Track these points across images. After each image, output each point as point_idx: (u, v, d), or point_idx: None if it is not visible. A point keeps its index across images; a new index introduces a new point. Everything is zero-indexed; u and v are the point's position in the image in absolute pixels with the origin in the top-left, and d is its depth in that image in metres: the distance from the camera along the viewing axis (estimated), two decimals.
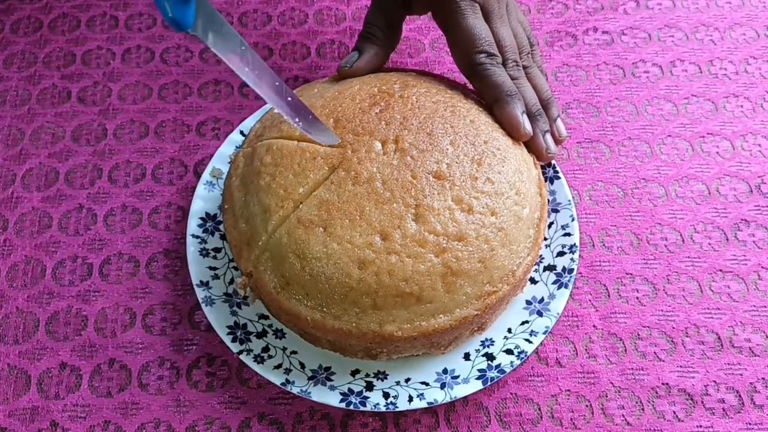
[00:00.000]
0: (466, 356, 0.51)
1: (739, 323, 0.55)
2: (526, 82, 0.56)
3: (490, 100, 0.55)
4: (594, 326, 0.55)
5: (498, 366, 0.50)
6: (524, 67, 0.57)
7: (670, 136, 0.65)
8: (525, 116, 0.54)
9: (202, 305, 0.53)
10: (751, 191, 0.62)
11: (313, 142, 0.52)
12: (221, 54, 0.45)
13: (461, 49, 0.56)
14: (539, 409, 0.52)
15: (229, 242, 0.52)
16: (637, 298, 0.57)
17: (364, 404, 0.49)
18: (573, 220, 0.56)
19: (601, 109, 0.67)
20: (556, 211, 0.56)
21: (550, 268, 0.54)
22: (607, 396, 0.52)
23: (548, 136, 0.56)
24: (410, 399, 0.49)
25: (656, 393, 0.52)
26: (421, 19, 0.73)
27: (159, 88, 0.68)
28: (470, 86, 0.58)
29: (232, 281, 0.54)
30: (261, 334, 0.52)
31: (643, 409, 0.52)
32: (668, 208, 0.61)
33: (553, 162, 0.58)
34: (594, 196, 0.62)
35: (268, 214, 0.50)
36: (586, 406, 0.52)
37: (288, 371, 0.50)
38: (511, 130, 0.53)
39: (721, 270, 0.58)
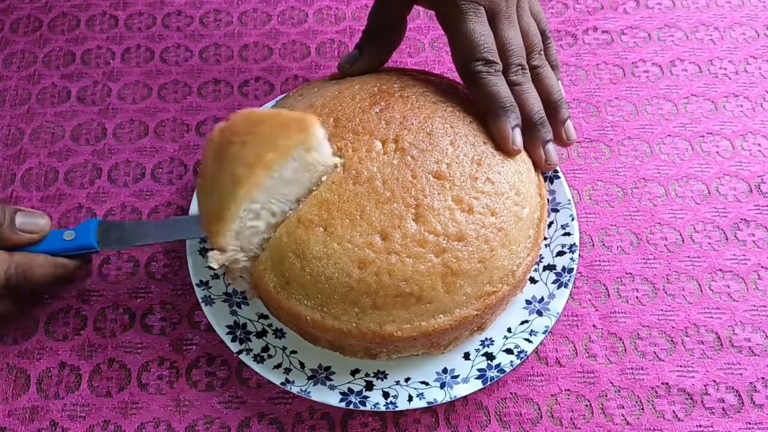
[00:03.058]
0: (466, 356, 0.51)
1: (739, 323, 0.55)
2: (530, 88, 0.54)
3: (484, 110, 0.53)
4: (594, 326, 0.55)
5: (498, 365, 0.50)
6: (534, 68, 0.56)
7: (669, 135, 0.65)
8: (517, 130, 0.52)
9: (202, 305, 0.53)
10: (751, 191, 0.62)
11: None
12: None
13: (459, 55, 0.54)
14: (539, 409, 0.52)
15: (201, 216, 0.50)
16: (637, 297, 0.57)
17: (363, 404, 0.49)
18: (573, 219, 0.56)
19: (600, 108, 0.67)
20: (555, 210, 0.56)
21: (549, 267, 0.54)
22: (606, 395, 0.52)
23: (549, 146, 0.54)
24: (410, 398, 0.49)
25: (656, 392, 0.52)
26: (420, 19, 0.73)
27: (158, 88, 0.68)
28: None
29: None
30: (261, 334, 0.52)
31: (642, 409, 0.52)
32: (668, 207, 0.61)
33: None
34: (594, 195, 0.62)
35: (238, 185, 0.47)
36: (586, 405, 0.52)
37: (288, 371, 0.50)
38: (500, 144, 0.52)
39: (720, 269, 0.58)
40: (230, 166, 0.48)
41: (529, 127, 0.53)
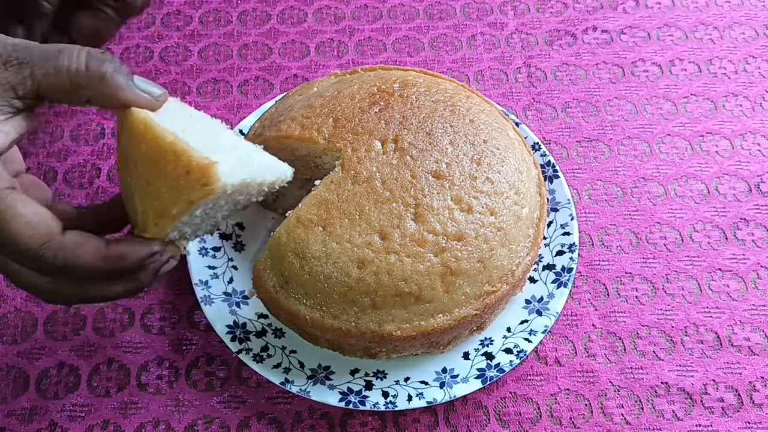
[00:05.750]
0: (466, 355, 0.51)
1: (738, 322, 0.55)
2: None
3: None
4: (593, 325, 0.55)
5: (497, 365, 0.50)
6: None
7: (669, 135, 0.65)
8: None
9: (201, 304, 0.53)
10: (750, 190, 0.62)
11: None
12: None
13: None
14: (538, 408, 0.52)
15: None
16: (637, 297, 0.57)
17: (363, 403, 0.49)
18: (572, 219, 0.56)
19: (600, 108, 0.67)
20: (555, 210, 0.56)
21: (549, 267, 0.54)
22: (606, 395, 0.52)
23: None
24: (409, 398, 0.49)
25: (655, 392, 0.52)
26: (420, 18, 0.73)
27: None
28: (471, 85, 0.58)
29: (231, 280, 0.54)
30: (260, 333, 0.52)
31: (642, 408, 0.52)
32: (667, 207, 0.61)
33: (552, 161, 0.58)
34: (593, 195, 0.62)
35: (144, 225, 0.41)
36: (586, 405, 0.52)
37: (287, 370, 0.50)
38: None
39: (720, 269, 0.58)
40: (135, 196, 0.41)
41: None
